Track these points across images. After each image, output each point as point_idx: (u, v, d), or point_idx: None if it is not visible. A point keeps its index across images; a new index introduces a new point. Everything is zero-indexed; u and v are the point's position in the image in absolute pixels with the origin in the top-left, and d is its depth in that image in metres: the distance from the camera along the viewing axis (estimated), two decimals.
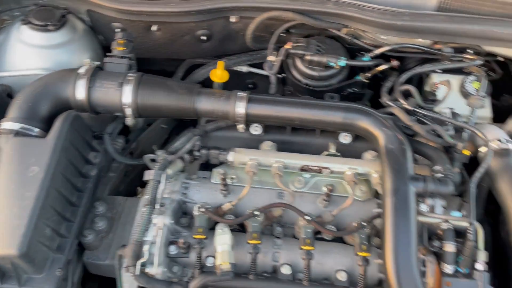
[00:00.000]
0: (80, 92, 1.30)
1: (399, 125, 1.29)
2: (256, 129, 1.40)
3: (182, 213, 1.35)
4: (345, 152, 1.38)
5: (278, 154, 1.33)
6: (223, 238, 1.19)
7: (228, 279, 1.14)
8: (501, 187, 1.19)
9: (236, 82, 1.64)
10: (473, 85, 1.46)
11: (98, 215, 1.40)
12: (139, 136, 1.76)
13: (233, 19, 1.52)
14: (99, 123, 1.50)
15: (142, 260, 1.14)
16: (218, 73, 1.32)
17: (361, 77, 1.52)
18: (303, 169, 1.31)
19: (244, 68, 1.71)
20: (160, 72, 1.48)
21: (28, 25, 1.49)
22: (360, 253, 1.17)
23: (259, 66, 1.64)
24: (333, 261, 1.23)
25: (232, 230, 1.27)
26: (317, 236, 1.30)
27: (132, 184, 1.64)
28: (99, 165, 1.38)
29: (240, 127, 1.35)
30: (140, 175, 1.32)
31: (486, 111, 1.51)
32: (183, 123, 1.71)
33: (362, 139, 1.36)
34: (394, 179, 1.17)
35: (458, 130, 1.32)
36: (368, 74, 1.50)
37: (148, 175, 1.25)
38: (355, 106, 1.31)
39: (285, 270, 1.20)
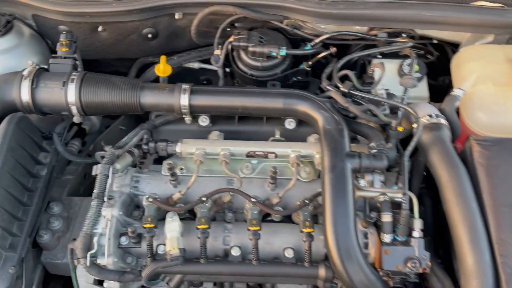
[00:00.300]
0: (24, 93, 1.32)
1: (337, 108, 1.35)
2: (203, 121, 1.44)
3: (136, 206, 1.38)
4: (291, 137, 1.44)
5: (224, 143, 1.38)
6: (172, 225, 1.22)
7: (178, 263, 1.18)
8: (432, 158, 1.26)
9: (190, 79, 1.67)
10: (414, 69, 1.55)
11: (53, 215, 1.43)
12: (96, 139, 1.79)
13: (177, 16, 1.57)
14: (51, 124, 1.52)
15: (92, 251, 1.17)
16: (161, 68, 1.37)
17: (304, 66, 1.58)
18: (250, 155, 1.36)
19: (196, 65, 1.75)
20: (114, 73, 1.51)
21: None
22: (304, 230, 1.22)
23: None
24: (281, 240, 1.28)
25: (185, 219, 1.31)
26: (267, 218, 1.36)
27: (92, 186, 1.67)
28: (50, 165, 1.41)
29: (187, 118, 1.39)
30: None
31: (423, 91, 1.60)
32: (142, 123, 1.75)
33: (306, 124, 1.42)
34: (331, 157, 1.23)
35: (394, 109, 1.39)
36: (309, 62, 1.57)
37: (96, 170, 1.28)
38: (295, 91, 1.36)
39: (235, 252, 1.25)
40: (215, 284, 1.39)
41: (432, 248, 1.30)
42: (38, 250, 1.42)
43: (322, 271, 1.22)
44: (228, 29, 1.61)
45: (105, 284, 1.27)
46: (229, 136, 1.45)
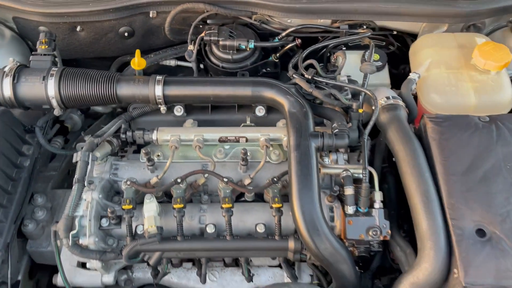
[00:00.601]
0: (6, 88, 1.39)
1: (302, 93, 1.45)
2: (178, 110, 1.53)
3: (116, 193, 1.46)
4: (261, 123, 1.52)
5: (198, 129, 1.46)
6: (149, 206, 1.30)
7: (156, 240, 1.26)
8: (390, 135, 1.36)
9: None
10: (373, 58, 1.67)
11: (37, 206, 1.49)
12: (78, 137, 1.86)
13: (151, 14, 1.66)
14: (33, 119, 1.59)
15: (73, 231, 1.24)
16: (136, 61, 1.46)
17: (272, 58, 1.69)
18: (222, 140, 1.45)
19: (172, 62, 1.84)
20: None
21: None
22: (274, 205, 1.31)
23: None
24: (253, 218, 1.37)
25: (163, 203, 1.39)
26: (240, 199, 1.45)
27: None
28: (33, 157, 1.48)
29: (162, 108, 1.48)
30: None
31: (385, 78, 1.72)
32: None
33: (275, 111, 1.51)
34: (296, 137, 1.32)
35: (356, 94, 1.50)
36: (277, 54, 1.67)
37: (76, 157, 1.35)
38: (262, 79, 1.46)
39: (210, 229, 1.33)
40: (193, 264, 1.46)
41: (395, 221, 1.39)
42: (23, 241, 1.49)
43: (291, 243, 1.31)
44: (201, 26, 1.71)
45: (88, 265, 1.34)
46: (203, 124, 1.53)
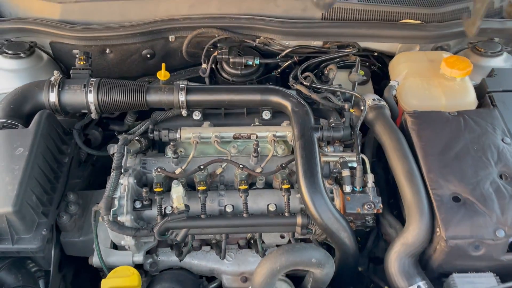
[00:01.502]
0: (52, 95, 1.64)
1: (302, 96, 1.73)
2: (196, 115, 1.78)
3: (143, 185, 1.67)
4: (267, 125, 1.78)
5: (215, 128, 1.71)
6: (177, 189, 1.51)
7: (184, 216, 1.46)
8: (377, 129, 1.63)
9: None
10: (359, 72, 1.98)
11: (70, 202, 1.68)
12: (100, 150, 2.08)
13: (171, 38, 1.96)
14: (69, 124, 1.82)
15: (114, 208, 1.44)
16: (162, 73, 1.73)
17: (274, 73, 1.98)
18: (236, 137, 1.69)
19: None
20: None
21: (3, 54, 1.84)
22: (283, 186, 1.54)
23: (198, 80, 2.05)
24: (265, 200, 1.59)
25: (186, 191, 1.60)
26: (252, 187, 1.67)
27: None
28: (70, 155, 1.69)
29: (183, 112, 1.73)
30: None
31: (369, 90, 2.02)
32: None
33: (279, 115, 1.78)
34: (300, 129, 1.58)
35: (346, 99, 1.78)
36: (278, 70, 1.97)
37: (113, 149, 1.58)
38: (269, 86, 1.74)
39: (228, 209, 1.55)
40: (211, 247, 1.65)
41: (386, 205, 1.62)
42: (57, 234, 1.66)
43: (299, 219, 1.52)
44: (211, 49, 2.01)
45: (122, 242, 1.52)
46: None
